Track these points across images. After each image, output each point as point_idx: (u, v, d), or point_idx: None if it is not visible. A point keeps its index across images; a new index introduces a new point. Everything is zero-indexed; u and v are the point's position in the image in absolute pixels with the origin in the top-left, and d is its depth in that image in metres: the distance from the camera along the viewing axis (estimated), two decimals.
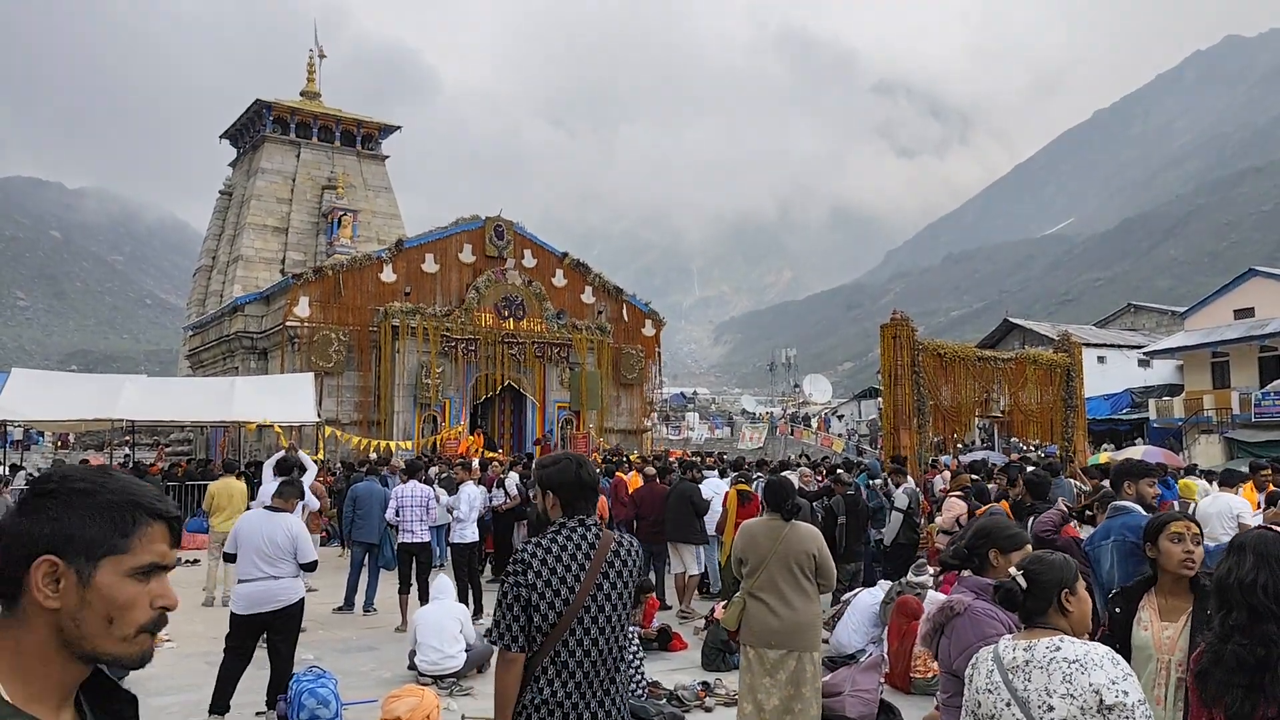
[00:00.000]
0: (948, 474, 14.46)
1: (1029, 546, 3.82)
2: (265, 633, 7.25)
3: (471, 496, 11.97)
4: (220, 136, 40.86)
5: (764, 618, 5.68)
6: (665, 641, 9.90)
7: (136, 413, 20.62)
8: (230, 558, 7.33)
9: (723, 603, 10.58)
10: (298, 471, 12.89)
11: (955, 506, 10.73)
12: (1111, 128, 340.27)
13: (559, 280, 31.92)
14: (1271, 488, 10.90)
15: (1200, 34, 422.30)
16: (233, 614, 7.16)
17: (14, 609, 1.41)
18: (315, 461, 17.51)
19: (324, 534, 18.91)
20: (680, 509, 11.92)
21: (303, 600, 7.24)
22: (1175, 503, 10.97)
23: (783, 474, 10.37)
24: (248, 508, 15.13)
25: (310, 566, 7.28)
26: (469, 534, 11.83)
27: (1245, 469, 13.35)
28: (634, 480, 14.68)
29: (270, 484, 12.66)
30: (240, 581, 7.16)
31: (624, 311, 33.44)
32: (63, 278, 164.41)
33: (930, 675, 7.68)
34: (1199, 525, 3.81)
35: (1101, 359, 38.97)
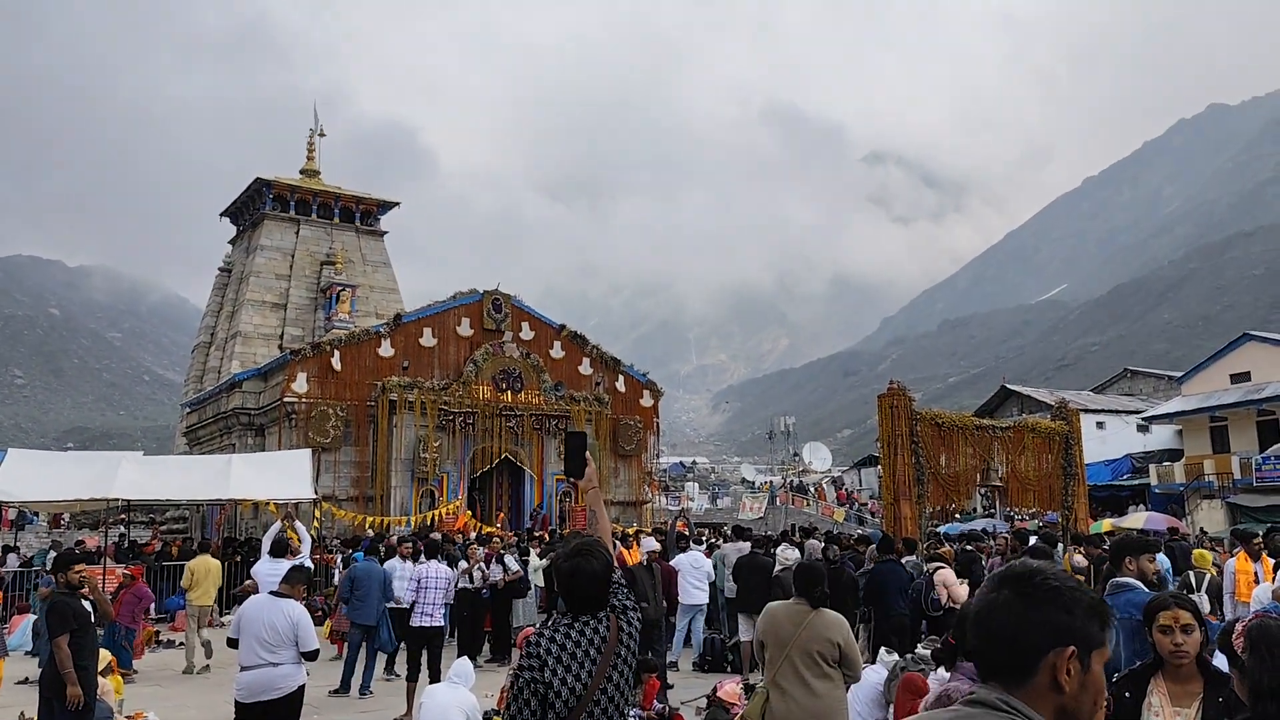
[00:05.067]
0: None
1: None
2: None
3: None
4: (220, 214, 41.28)
5: (787, 707, 5.50)
6: None
7: (134, 492, 20.36)
8: (233, 643, 7.25)
9: (729, 681, 10.43)
10: (291, 552, 12.79)
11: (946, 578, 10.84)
12: (1101, 195, 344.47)
13: (557, 352, 32.02)
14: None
15: (1185, 103, 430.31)
16: (236, 702, 7.05)
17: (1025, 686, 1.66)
18: (311, 534, 17.43)
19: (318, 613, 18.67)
20: (753, 578, 12.45)
21: (303, 688, 7.14)
22: (1192, 574, 10.90)
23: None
24: (234, 584, 15.31)
25: (312, 655, 7.19)
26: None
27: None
28: (633, 554, 14.60)
29: (266, 562, 12.54)
30: (241, 669, 7.06)
31: (621, 382, 33.50)
32: (60, 355, 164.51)
33: None
34: (1192, 610, 3.74)
35: (1100, 425, 38.98)
